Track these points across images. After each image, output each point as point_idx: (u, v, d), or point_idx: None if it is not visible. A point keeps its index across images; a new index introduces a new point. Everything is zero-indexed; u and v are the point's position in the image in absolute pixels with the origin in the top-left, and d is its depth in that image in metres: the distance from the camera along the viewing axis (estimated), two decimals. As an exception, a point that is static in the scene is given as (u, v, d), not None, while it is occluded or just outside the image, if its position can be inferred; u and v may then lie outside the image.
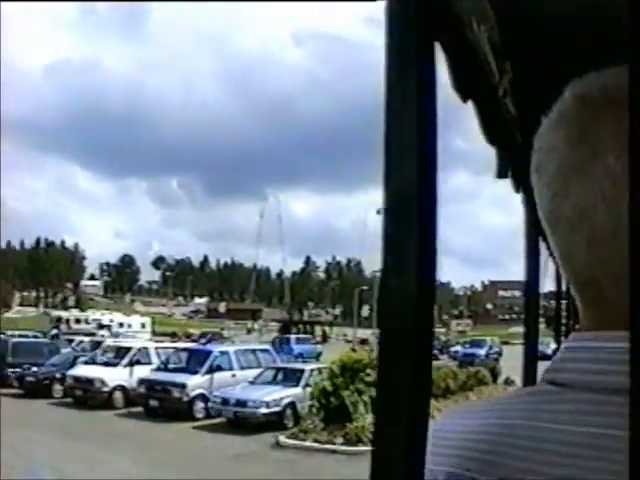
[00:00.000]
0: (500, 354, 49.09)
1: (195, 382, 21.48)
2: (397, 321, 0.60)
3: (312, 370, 20.85)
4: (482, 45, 1.15)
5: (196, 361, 22.88)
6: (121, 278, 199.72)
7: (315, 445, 16.88)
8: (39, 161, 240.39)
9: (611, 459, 0.63)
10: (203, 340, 61.30)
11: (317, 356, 52.24)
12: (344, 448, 16.40)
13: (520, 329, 2.52)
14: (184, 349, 25.85)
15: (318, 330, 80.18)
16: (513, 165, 1.63)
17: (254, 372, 22.32)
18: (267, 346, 30.25)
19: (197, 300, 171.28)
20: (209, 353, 23.38)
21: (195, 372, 22.02)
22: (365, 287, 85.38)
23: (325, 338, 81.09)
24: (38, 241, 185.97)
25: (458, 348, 53.20)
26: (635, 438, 0.46)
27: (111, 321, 71.58)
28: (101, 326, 67.97)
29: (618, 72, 0.69)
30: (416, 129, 0.61)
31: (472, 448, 0.73)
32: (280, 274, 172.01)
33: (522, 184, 1.73)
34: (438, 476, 0.75)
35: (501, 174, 1.62)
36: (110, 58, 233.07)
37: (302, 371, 21.16)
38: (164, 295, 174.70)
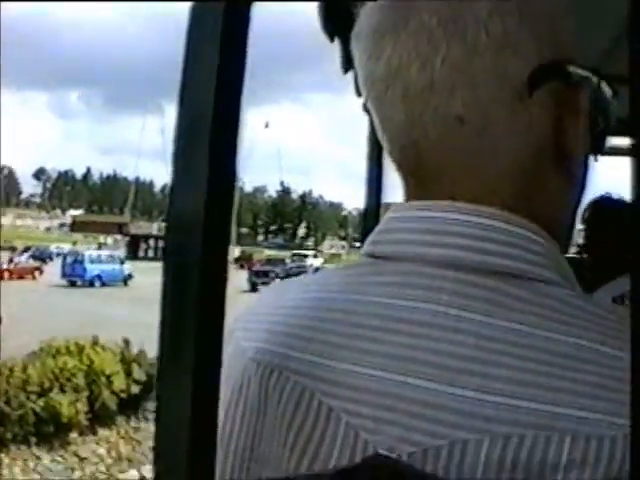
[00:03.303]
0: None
1: None
2: (185, 242, 0.53)
3: None
4: None
5: None
6: (4, 191, 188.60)
7: None
8: None
9: (430, 336, 0.58)
10: (26, 254, 54.58)
11: (124, 281, 41.90)
12: None
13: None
14: None
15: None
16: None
17: None
18: None
19: (72, 212, 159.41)
20: None
21: None
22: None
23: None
24: None
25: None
26: (636, 434, 0.44)
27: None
28: None
29: None
30: (220, 44, 0.53)
31: (284, 323, 0.67)
32: (164, 188, 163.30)
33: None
34: (247, 353, 0.68)
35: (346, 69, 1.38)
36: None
37: None
38: (44, 208, 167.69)
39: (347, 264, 0.72)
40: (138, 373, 9.93)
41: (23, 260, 46.92)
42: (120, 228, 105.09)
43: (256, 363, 0.66)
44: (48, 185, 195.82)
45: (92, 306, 27.04)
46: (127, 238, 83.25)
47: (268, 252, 77.71)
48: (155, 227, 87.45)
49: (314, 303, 0.67)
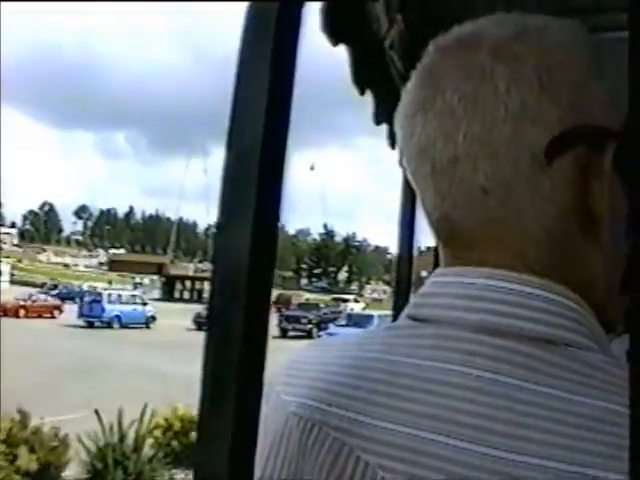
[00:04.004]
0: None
1: None
2: (229, 283, 0.55)
3: None
4: None
5: None
6: (45, 227, 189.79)
7: None
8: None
9: (465, 398, 0.61)
10: (54, 292, 54.81)
11: (146, 323, 37.99)
12: None
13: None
14: None
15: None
16: (388, 122, 1.59)
17: None
18: None
19: (113, 251, 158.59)
20: None
21: None
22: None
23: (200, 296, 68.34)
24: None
25: (331, 326, 34.17)
26: (635, 432, 0.45)
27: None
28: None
29: (479, 21, 0.70)
30: (269, 78, 0.55)
31: (325, 380, 0.70)
32: (207, 229, 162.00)
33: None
34: (289, 407, 0.71)
35: (378, 121, 1.57)
36: (62, 10, 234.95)
37: None
38: (85, 246, 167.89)
39: (389, 325, 0.75)
40: (27, 459, 6.69)
41: (42, 298, 44.04)
42: (160, 268, 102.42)
43: (298, 417, 0.68)
44: (90, 223, 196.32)
45: (98, 350, 24.01)
46: (163, 279, 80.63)
47: (308, 295, 74.16)
48: (192, 268, 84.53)
49: (355, 362, 0.69)
